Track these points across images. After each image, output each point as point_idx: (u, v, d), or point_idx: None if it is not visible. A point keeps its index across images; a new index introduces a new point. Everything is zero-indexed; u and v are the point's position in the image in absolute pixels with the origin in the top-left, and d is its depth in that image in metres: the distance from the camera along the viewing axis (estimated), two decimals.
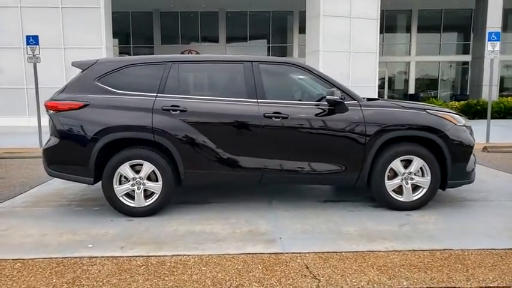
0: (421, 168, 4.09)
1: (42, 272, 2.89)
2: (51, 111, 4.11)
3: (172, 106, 4.01)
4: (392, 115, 4.09)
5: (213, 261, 3.08)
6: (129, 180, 4.03)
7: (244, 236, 3.57)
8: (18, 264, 3.02)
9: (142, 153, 4.01)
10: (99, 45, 13.72)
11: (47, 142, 4.18)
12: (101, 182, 4.05)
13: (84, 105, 4.01)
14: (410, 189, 4.11)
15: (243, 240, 3.47)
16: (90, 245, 3.36)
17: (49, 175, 4.14)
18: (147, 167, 4.01)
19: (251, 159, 4.07)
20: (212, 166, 4.06)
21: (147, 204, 4.06)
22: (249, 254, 3.20)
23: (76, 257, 3.13)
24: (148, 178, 4.06)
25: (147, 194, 4.10)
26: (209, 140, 4.01)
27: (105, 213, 4.17)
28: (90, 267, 2.96)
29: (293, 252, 3.22)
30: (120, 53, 22.12)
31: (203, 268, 2.96)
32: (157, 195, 4.06)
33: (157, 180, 4.05)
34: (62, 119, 4.03)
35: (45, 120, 4.84)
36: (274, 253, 3.21)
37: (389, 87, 24.91)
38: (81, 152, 3.97)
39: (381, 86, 22.16)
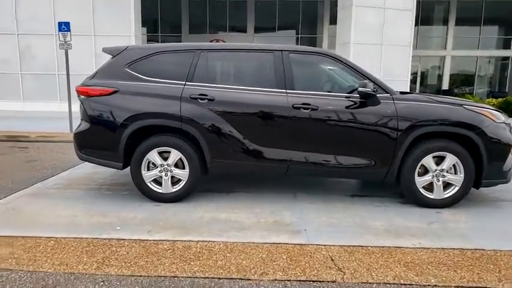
0: (454, 165, 3.96)
1: (74, 251, 2.99)
2: (82, 97, 4.21)
3: (200, 95, 4.03)
4: (426, 110, 3.97)
5: (238, 248, 3.10)
6: (157, 167, 4.09)
7: (268, 226, 3.57)
8: (52, 242, 3.14)
9: (170, 140, 4.06)
10: (128, 33, 13.96)
11: (78, 127, 4.29)
12: (129, 167, 4.14)
13: (114, 92, 4.08)
14: (442, 187, 3.99)
15: (267, 230, 3.47)
16: (118, 228, 3.45)
17: (80, 159, 4.26)
18: (175, 155, 4.06)
19: (278, 151, 4.05)
20: (238, 156, 4.07)
21: (174, 190, 4.12)
22: (274, 243, 3.20)
23: (105, 239, 3.22)
24: (176, 165, 4.11)
25: (174, 181, 4.16)
26: (236, 130, 4.01)
27: (133, 198, 4.26)
28: (119, 249, 3.04)
29: (318, 244, 3.20)
30: (148, 41, 22.41)
31: (228, 255, 2.98)
32: (184, 182, 4.11)
33: (184, 168, 4.10)
34: (93, 105, 4.13)
35: (76, 106, 4.97)
36: (298, 244, 3.20)
37: (422, 82, 24.13)
38: (110, 138, 4.06)
39: (413, 81, 21.53)
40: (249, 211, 3.93)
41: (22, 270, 2.70)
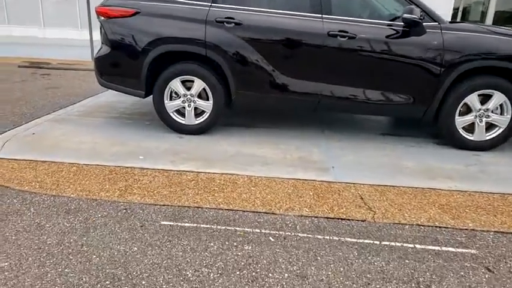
0: (501, 105, 3.63)
1: (96, 178, 2.93)
2: (102, 18, 3.94)
3: (226, 18, 3.71)
4: (478, 41, 3.55)
5: (263, 183, 2.98)
6: (180, 97, 3.91)
7: (294, 162, 3.42)
8: (74, 168, 3.09)
9: (193, 69, 3.83)
10: None
11: (99, 51, 4.08)
12: (152, 96, 3.97)
13: (135, 13, 3.80)
14: (484, 128, 3.70)
15: (293, 166, 3.33)
16: (141, 157, 3.36)
17: (101, 85, 4.10)
18: (198, 84, 3.85)
19: (308, 84, 3.78)
20: (266, 88, 3.83)
21: (197, 122, 3.96)
22: (300, 179, 3.07)
23: (128, 167, 3.15)
24: (199, 96, 3.92)
25: (198, 113, 3.99)
26: (264, 59, 3.73)
27: (156, 128, 4.15)
28: (141, 178, 2.97)
29: (346, 182, 3.05)
30: None
31: (252, 188, 2.88)
32: (207, 114, 3.94)
33: (207, 99, 3.91)
34: (113, 27, 3.87)
35: (97, 34, 4.71)
36: (326, 181, 3.06)
37: (463, 18, 22.46)
38: (132, 63, 3.85)
39: (453, 17, 20.02)
40: (274, 146, 3.77)
41: (46, 194, 2.67)
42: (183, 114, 3.98)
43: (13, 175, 2.91)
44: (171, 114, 3.96)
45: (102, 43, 4.02)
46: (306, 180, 3.07)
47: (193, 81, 3.87)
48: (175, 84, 3.86)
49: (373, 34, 3.62)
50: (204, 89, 3.88)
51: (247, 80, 3.83)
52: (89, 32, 9.24)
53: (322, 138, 4.11)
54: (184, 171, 3.13)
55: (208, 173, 3.12)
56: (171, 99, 3.95)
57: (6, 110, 4.68)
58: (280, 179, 3.06)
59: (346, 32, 3.64)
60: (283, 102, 3.92)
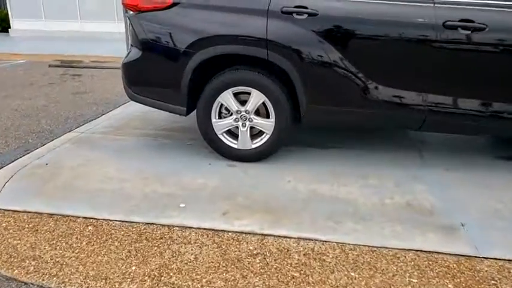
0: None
1: (119, 248, 2.01)
2: (131, 12, 3.01)
3: (297, 7, 2.66)
4: None
5: (365, 259, 1.95)
6: (232, 114, 2.93)
7: (400, 213, 2.35)
8: (90, 228, 2.19)
9: (250, 77, 2.82)
10: None
11: (127, 55, 3.17)
12: (195, 112, 3.01)
13: (174, 4, 2.83)
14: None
15: (401, 221, 2.26)
16: (182, 205, 2.42)
17: (130, 99, 3.19)
18: (256, 97, 2.84)
19: (412, 95, 2.68)
20: (350, 101, 2.75)
21: (253, 146, 2.97)
22: (421, 252, 2.01)
23: (164, 225, 2.21)
24: (257, 113, 2.92)
25: (254, 133, 3.01)
26: (349, 62, 2.65)
27: (200, 151, 3.20)
28: (182, 248, 2.02)
29: (497, 259, 1.96)
30: None
31: (353, 274, 1.85)
32: (267, 136, 2.93)
33: (268, 116, 2.90)
34: (144, 24, 2.92)
35: None
36: (463, 255, 1.98)
37: None
38: (170, 71, 2.90)
39: None
40: (363, 182, 2.71)
41: (40, 286, 1.78)
42: (235, 136, 3.01)
43: (3, 244, 2.05)
44: (220, 136, 2.99)
45: (132, 45, 3.10)
46: (430, 253, 2.00)
47: (249, 94, 2.86)
48: (226, 98, 2.88)
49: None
50: (263, 103, 2.87)
51: (324, 91, 2.77)
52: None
53: (423, 164, 3.00)
54: (242, 232, 2.15)
55: (279, 236, 2.12)
56: (220, 117, 2.98)
57: (22, 127, 3.90)
58: (390, 251, 2.02)
59: (472, 22, 2.49)
60: (374, 119, 2.84)
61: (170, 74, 2.90)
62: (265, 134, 2.95)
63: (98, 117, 4.19)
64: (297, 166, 2.96)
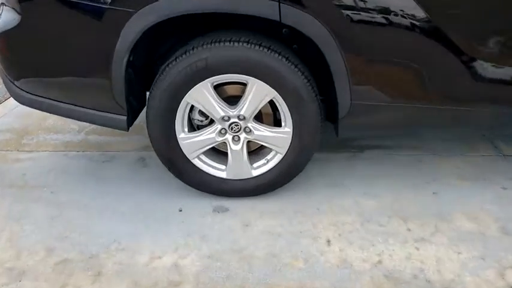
0: None
1: None
2: None
3: None
4: None
5: None
6: (213, 122, 1.62)
7: None
8: None
9: (247, 56, 1.47)
10: None
11: None
12: (146, 122, 1.66)
13: None
14: None
15: None
16: None
17: (19, 102, 1.74)
18: (259, 92, 1.53)
19: None
20: (457, 92, 1.54)
21: (255, 174, 1.71)
22: None
23: None
24: (258, 117, 1.64)
25: (254, 150, 1.74)
26: (443, 27, 1.39)
27: (162, 177, 1.90)
28: None
29: None
30: None
31: None
32: (278, 157, 1.67)
33: (279, 124, 1.64)
34: None
35: None
36: None
37: None
38: (86, 50, 1.51)
39: None
40: (462, 244, 1.56)
41: None
42: (221, 157, 1.73)
43: None
44: (196, 161, 1.69)
45: (2, 3, 1.61)
46: None
47: (243, 86, 1.55)
48: (202, 95, 1.54)
49: None
50: (272, 102, 1.58)
51: (386, 77, 1.50)
52: None
53: None
54: None
55: None
56: (191, 129, 1.68)
57: None
58: None
59: None
60: (477, 117, 1.64)
61: (87, 56, 1.52)
62: (273, 154, 1.69)
63: None
64: (333, 206, 1.74)
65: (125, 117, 1.60)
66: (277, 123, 1.68)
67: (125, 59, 1.48)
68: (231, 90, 1.64)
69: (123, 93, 1.55)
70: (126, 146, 2.22)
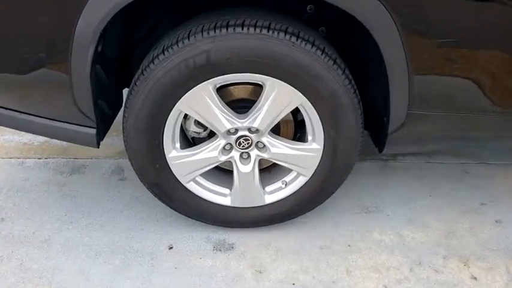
0: None
1: None
2: None
3: None
4: None
5: None
6: (216, 136, 1.19)
7: None
8: None
9: (264, 47, 1.02)
10: None
11: None
12: (122, 134, 1.21)
13: None
14: None
15: None
16: None
17: None
18: (280, 99, 1.09)
19: None
20: None
21: (268, 202, 1.29)
22: None
23: None
24: (275, 130, 1.21)
25: (264, 168, 1.32)
26: None
27: (145, 201, 1.47)
28: None
29: None
30: None
31: None
32: (301, 180, 1.24)
33: (303, 139, 1.22)
34: None
35: None
36: None
37: None
38: (32, 32, 1.04)
39: None
40: None
41: None
42: (224, 177, 1.31)
43: None
44: (190, 186, 1.26)
45: None
46: None
47: (257, 85, 1.12)
48: (200, 101, 1.09)
49: None
50: (297, 112, 1.16)
51: (464, 84, 1.08)
52: None
53: None
54: None
55: None
56: (188, 144, 1.25)
57: None
58: None
59: None
60: None
61: (34, 44, 1.05)
62: (294, 175, 1.27)
63: None
64: (371, 246, 1.35)
65: (94, 130, 1.15)
66: (297, 130, 1.27)
67: (91, 49, 1.02)
68: (237, 91, 1.20)
69: (89, 97, 1.10)
70: (98, 151, 1.76)
